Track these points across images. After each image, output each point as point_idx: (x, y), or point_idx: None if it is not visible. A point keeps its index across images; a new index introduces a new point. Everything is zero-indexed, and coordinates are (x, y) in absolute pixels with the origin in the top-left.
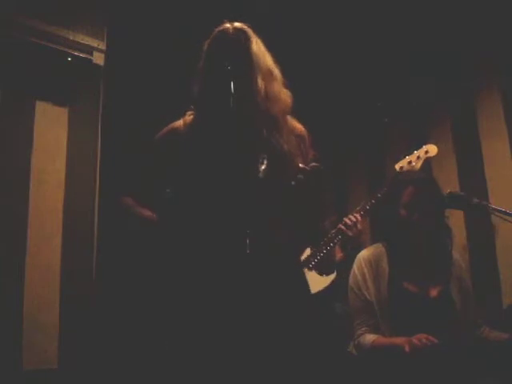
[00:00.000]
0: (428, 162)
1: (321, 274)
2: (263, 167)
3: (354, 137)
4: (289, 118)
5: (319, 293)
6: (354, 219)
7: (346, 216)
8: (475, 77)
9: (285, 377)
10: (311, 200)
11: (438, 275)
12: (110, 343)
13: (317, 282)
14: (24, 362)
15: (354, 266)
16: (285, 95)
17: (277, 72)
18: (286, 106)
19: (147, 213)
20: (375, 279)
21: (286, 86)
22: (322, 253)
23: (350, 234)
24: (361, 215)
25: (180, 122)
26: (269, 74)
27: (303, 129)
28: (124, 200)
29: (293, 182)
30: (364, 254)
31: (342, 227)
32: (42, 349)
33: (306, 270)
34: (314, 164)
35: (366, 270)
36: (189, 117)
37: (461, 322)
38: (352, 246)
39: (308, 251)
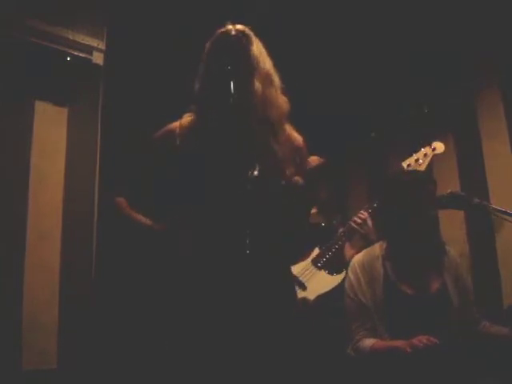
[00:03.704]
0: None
1: (331, 273)
2: (255, 171)
3: (354, 137)
4: (288, 126)
5: (329, 292)
6: (363, 216)
7: (355, 215)
8: (475, 77)
9: (283, 376)
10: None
11: (434, 273)
12: (109, 343)
13: (326, 281)
14: (23, 361)
15: (349, 271)
16: (282, 101)
17: (275, 78)
18: (282, 112)
19: (139, 217)
20: (370, 282)
21: (284, 93)
22: (331, 252)
23: (362, 231)
24: (368, 213)
25: (176, 124)
26: (267, 79)
27: (301, 140)
28: (117, 201)
29: (283, 182)
30: (358, 258)
31: (353, 225)
32: (42, 349)
33: (315, 269)
34: (296, 178)
35: (360, 275)
36: (186, 118)
37: (459, 318)
38: (364, 244)
39: (316, 251)
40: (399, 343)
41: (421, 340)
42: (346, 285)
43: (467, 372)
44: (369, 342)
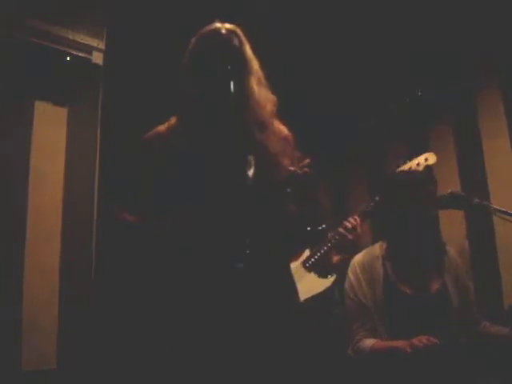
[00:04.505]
0: None
1: (320, 276)
2: (251, 170)
3: (354, 137)
4: (275, 121)
5: (318, 295)
6: (353, 222)
7: (346, 219)
8: (475, 77)
9: (283, 376)
10: (303, 204)
11: (435, 273)
12: (109, 343)
13: (316, 284)
14: (23, 362)
15: (349, 271)
16: (271, 99)
17: (263, 76)
18: (271, 110)
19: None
20: (370, 283)
21: (272, 90)
22: (319, 253)
23: (350, 237)
24: (360, 218)
25: (164, 126)
26: (259, 78)
27: (287, 131)
28: (123, 217)
29: (288, 190)
30: (358, 258)
31: (342, 230)
32: (41, 349)
33: (304, 271)
34: (305, 169)
35: (360, 275)
36: (174, 119)
37: (459, 319)
38: (351, 249)
39: (307, 252)
40: (399, 343)
41: (421, 340)
42: (346, 285)
43: (467, 372)
44: (369, 343)
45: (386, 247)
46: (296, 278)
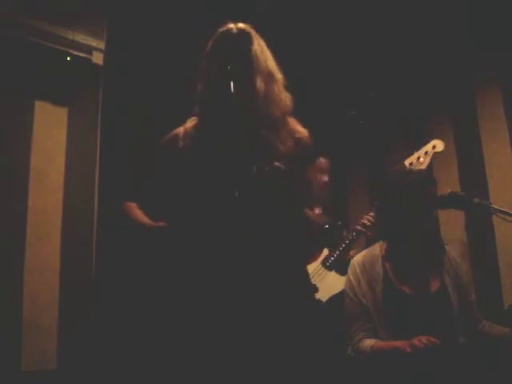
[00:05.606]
0: (430, 161)
1: (341, 274)
2: (256, 170)
3: (354, 137)
4: (291, 120)
5: (340, 294)
6: (371, 219)
7: (363, 217)
8: (475, 77)
9: (284, 376)
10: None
11: (434, 273)
12: (109, 344)
13: (338, 282)
14: (23, 362)
15: (349, 272)
16: (285, 97)
17: (278, 74)
18: (285, 109)
19: (144, 219)
20: (370, 283)
21: (288, 89)
22: (338, 251)
23: (370, 233)
24: (376, 215)
25: (181, 128)
26: (269, 76)
27: (305, 132)
28: (127, 205)
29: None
30: (358, 258)
31: (362, 229)
32: (41, 350)
33: (325, 270)
34: (276, 164)
35: (360, 275)
36: (190, 122)
37: (459, 318)
38: (367, 246)
39: (326, 252)
40: (399, 343)
41: (421, 340)
42: (347, 285)
43: (467, 372)
44: (369, 343)
45: (386, 247)
46: (318, 277)
